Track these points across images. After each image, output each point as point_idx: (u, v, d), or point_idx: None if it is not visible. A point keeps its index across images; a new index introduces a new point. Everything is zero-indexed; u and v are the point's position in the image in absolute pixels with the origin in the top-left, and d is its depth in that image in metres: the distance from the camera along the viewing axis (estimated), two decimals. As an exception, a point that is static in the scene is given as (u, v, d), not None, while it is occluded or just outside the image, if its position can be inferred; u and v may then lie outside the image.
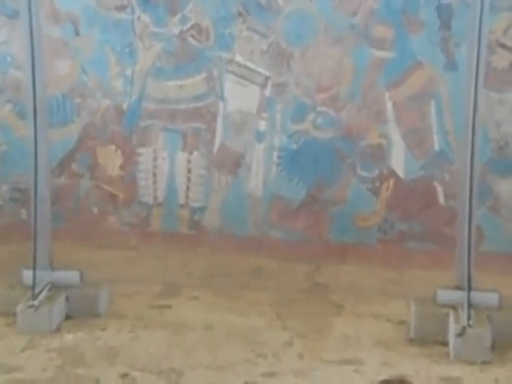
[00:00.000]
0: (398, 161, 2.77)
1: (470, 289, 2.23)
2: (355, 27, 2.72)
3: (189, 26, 2.80)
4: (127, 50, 2.82)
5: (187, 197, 2.90)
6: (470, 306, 2.21)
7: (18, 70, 2.80)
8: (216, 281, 2.62)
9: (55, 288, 2.40)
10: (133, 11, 2.79)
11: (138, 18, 2.80)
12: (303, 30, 2.76)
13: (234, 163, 2.87)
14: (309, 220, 2.84)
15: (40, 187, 2.41)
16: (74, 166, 2.90)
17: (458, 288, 2.28)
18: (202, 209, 2.90)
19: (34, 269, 2.35)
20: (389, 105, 2.76)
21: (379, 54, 2.73)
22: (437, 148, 2.74)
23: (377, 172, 2.79)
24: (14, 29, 2.78)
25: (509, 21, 2.61)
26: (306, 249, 2.81)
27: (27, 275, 2.38)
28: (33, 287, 2.34)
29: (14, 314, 2.30)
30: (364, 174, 2.80)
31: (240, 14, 2.77)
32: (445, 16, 2.65)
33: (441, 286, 2.30)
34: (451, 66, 2.68)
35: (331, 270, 2.70)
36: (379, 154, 2.78)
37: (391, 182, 2.79)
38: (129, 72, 2.84)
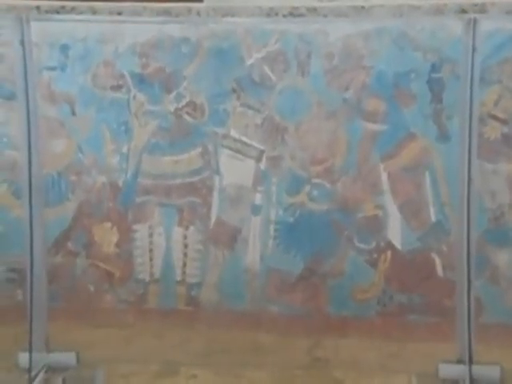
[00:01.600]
0: (395, 232, 2.77)
1: (471, 362, 2.21)
2: (348, 101, 2.76)
3: (184, 103, 2.84)
4: (123, 127, 2.85)
5: (184, 273, 2.89)
6: (472, 380, 2.18)
7: (14, 150, 2.81)
8: (215, 358, 2.59)
9: (52, 370, 2.37)
10: (128, 90, 2.83)
11: (134, 97, 2.84)
12: (297, 104, 2.79)
13: (231, 237, 2.87)
14: (307, 293, 2.82)
15: (36, 267, 2.40)
16: (69, 245, 2.90)
17: (460, 361, 2.26)
18: (199, 284, 2.88)
19: (30, 352, 2.33)
20: (384, 176, 2.78)
21: (372, 126, 2.77)
22: (433, 219, 2.74)
23: (374, 244, 2.79)
24: (11, 110, 2.80)
25: (499, 93, 2.66)
26: (305, 323, 2.78)
27: (23, 358, 2.35)
28: (29, 370, 2.32)
29: (11, 399, 2.28)
30: (361, 245, 2.80)
31: (234, 91, 2.81)
32: (436, 89, 2.70)
33: (442, 359, 2.28)
34: (444, 137, 2.71)
35: (331, 345, 2.67)
36: (376, 225, 2.79)
37: (389, 253, 2.78)
38: (124, 149, 2.86)
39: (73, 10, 2.61)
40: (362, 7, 2.66)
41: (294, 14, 2.65)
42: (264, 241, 2.85)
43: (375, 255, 2.79)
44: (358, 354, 2.61)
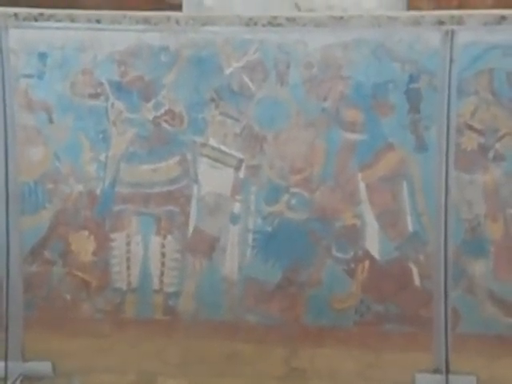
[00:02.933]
0: (373, 242, 2.78)
1: (448, 372, 2.22)
2: (326, 111, 2.77)
3: (162, 111, 2.83)
4: (101, 136, 2.84)
5: (161, 282, 2.88)
6: (448, 390, 2.19)
7: (-11, 158, 2.80)
8: (192, 368, 2.58)
9: (27, 379, 2.36)
10: (107, 98, 2.82)
11: (112, 105, 2.83)
12: (276, 114, 2.80)
13: (209, 246, 2.86)
14: (285, 303, 2.81)
15: (12, 275, 2.39)
16: (46, 253, 2.87)
17: (437, 371, 2.27)
18: (177, 294, 2.87)
19: (6, 360, 2.32)
20: (362, 186, 2.78)
21: (350, 136, 2.77)
22: (411, 229, 2.75)
23: (352, 253, 2.79)
24: (-14, 118, 2.79)
25: (476, 104, 2.68)
26: (282, 332, 2.77)
27: (-2, 367, 2.34)
28: (5, 379, 2.30)
29: (-15, 409, 2.25)
30: (339, 255, 2.80)
31: (213, 100, 2.81)
32: (414, 100, 2.71)
33: (419, 369, 2.29)
34: (421, 147, 2.72)
35: (308, 354, 2.66)
36: (354, 235, 2.79)
37: (366, 263, 2.79)
38: (102, 157, 2.85)
39: (51, 17, 2.60)
40: (341, 17, 2.68)
41: (273, 23, 2.65)
42: (242, 250, 2.85)
43: (353, 265, 2.79)
44: (335, 364, 2.60)
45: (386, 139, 2.75)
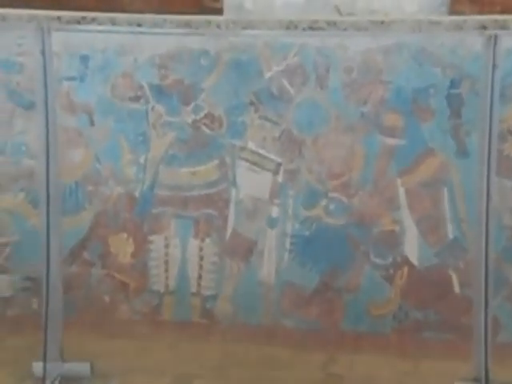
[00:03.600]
0: (412, 248, 2.75)
1: (487, 381, 2.19)
2: (366, 116, 2.75)
3: (202, 115, 2.84)
4: (141, 138, 2.85)
5: (199, 285, 2.88)
6: (488, 400, 2.16)
7: (32, 159, 2.83)
8: (229, 372, 2.57)
9: (66, 380, 2.37)
10: (147, 102, 2.83)
11: (152, 108, 2.84)
12: (314, 118, 2.79)
13: (246, 250, 2.86)
14: (322, 308, 2.80)
15: (52, 276, 2.40)
16: (85, 255, 2.90)
17: (476, 380, 2.23)
18: (214, 297, 2.87)
19: (45, 361, 2.33)
20: (401, 191, 2.76)
21: (390, 141, 2.76)
22: (451, 235, 2.72)
23: (390, 259, 2.77)
24: (30, 119, 2.81)
25: (519, 110, 2.65)
26: (319, 338, 2.77)
27: (37, 367, 2.36)
28: (43, 380, 2.32)
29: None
30: (377, 260, 2.78)
31: (252, 104, 2.81)
32: (455, 105, 2.68)
33: (458, 377, 2.26)
34: (462, 153, 2.70)
35: (346, 360, 2.64)
36: (392, 240, 2.77)
37: (405, 269, 2.76)
38: (142, 160, 2.86)
39: (93, 20, 2.62)
40: (382, 22, 2.66)
41: (313, 27, 2.64)
42: (280, 254, 2.84)
43: (391, 271, 2.77)
44: (372, 371, 2.58)
45: (427, 144, 2.72)
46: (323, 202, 2.82)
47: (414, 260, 2.76)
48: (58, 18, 2.61)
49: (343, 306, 2.80)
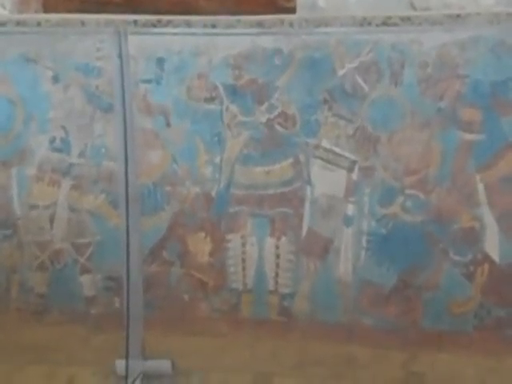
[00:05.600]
0: (493, 245, 2.70)
1: None
2: (442, 111, 2.71)
3: (276, 114, 2.84)
4: (216, 139, 2.88)
5: (276, 283, 2.89)
6: None
7: (111, 161, 2.88)
8: (308, 370, 2.58)
9: (147, 378, 2.41)
10: (221, 102, 2.85)
11: (227, 109, 2.86)
12: (389, 114, 2.76)
13: (323, 248, 2.85)
14: (401, 306, 2.77)
15: (133, 276, 2.46)
16: (165, 254, 2.93)
17: None
18: (292, 295, 2.87)
19: (127, 359, 2.38)
20: (480, 187, 2.71)
21: (468, 136, 2.71)
22: (533, 231, 2.68)
23: (470, 256, 2.72)
24: (108, 122, 2.86)
25: None
26: (399, 336, 2.74)
27: (120, 365, 2.41)
28: (126, 377, 2.36)
29: (109, 405, 2.33)
30: (457, 258, 2.74)
31: (326, 101, 2.80)
32: (536, 99, 2.64)
33: (544, 376, 2.22)
34: (544, 147, 2.64)
35: (427, 359, 2.62)
36: (472, 237, 2.73)
37: (486, 266, 2.71)
38: (217, 160, 2.89)
39: (169, 23, 2.67)
40: (458, 15, 2.63)
41: (387, 23, 2.63)
42: (356, 252, 2.83)
43: (472, 268, 2.72)
44: (454, 369, 2.55)
45: (507, 139, 2.66)
46: (400, 199, 2.79)
47: (495, 257, 2.70)
48: (135, 21, 2.67)
49: (422, 305, 2.76)
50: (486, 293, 2.71)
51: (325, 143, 2.83)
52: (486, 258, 2.72)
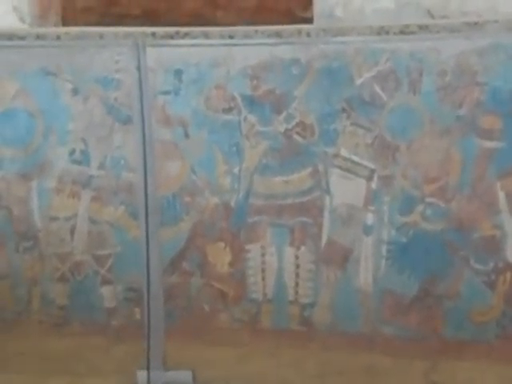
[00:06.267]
0: (514, 253, 2.70)
1: None
2: (462, 119, 2.70)
3: (294, 123, 2.84)
4: (234, 149, 2.88)
5: (296, 293, 2.89)
6: None
7: (130, 173, 2.88)
8: (330, 379, 2.57)
9: (169, 388, 2.42)
10: (239, 112, 2.86)
11: (245, 119, 2.87)
12: (408, 123, 2.75)
13: (343, 258, 2.85)
14: (422, 315, 2.76)
15: (153, 286, 2.47)
16: (184, 265, 2.93)
17: None
18: (312, 305, 2.87)
19: (148, 369, 2.39)
20: (501, 195, 2.70)
21: (488, 144, 2.69)
22: (555, 240, 2.66)
23: (492, 265, 2.71)
24: (127, 133, 2.87)
25: None
26: (420, 345, 2.72)
27: (142, 376, 2.41)
28: (147, 388, 2.37)
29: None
30: (478, 266, 2.72)
31: (344, 110, 2.80)
32: (557, 105, 2.62)
33: None
34: None
35: (448, 368, 2.60)
36: (493, 245, 2.71)
37: (508, 275, 2.69)
38: (236, 170, 2.89)
39: (186, 35, 2.69)
40: (476, 23, 2.62)
41: (405, 31, 2.63)
42: (376, 261, 2.82)
43: (493, 276, 2.71)
44: (476, 378, 2.53)
45: (528, 146, 2.66)
46: (420, 208, 2.78)
47: (517, 265, 2.70)
48: (153, 33, 2.69)
49: (444, 313, 2.75)
50: (508, 301, 2.69)
51: (343, 152, 2.83)
52: (508, 266, 2.70)
